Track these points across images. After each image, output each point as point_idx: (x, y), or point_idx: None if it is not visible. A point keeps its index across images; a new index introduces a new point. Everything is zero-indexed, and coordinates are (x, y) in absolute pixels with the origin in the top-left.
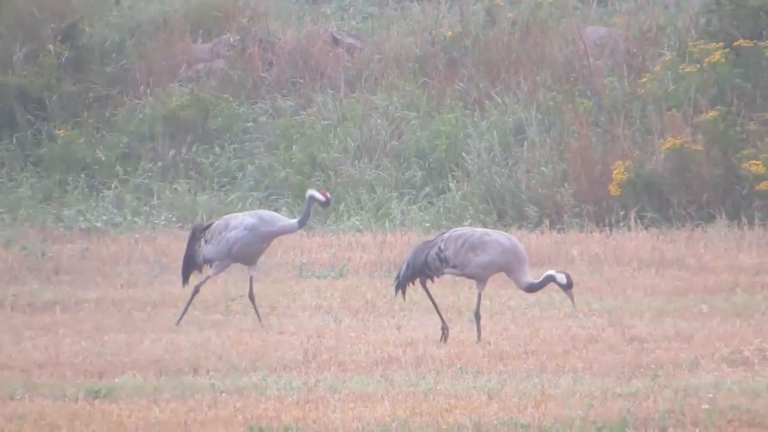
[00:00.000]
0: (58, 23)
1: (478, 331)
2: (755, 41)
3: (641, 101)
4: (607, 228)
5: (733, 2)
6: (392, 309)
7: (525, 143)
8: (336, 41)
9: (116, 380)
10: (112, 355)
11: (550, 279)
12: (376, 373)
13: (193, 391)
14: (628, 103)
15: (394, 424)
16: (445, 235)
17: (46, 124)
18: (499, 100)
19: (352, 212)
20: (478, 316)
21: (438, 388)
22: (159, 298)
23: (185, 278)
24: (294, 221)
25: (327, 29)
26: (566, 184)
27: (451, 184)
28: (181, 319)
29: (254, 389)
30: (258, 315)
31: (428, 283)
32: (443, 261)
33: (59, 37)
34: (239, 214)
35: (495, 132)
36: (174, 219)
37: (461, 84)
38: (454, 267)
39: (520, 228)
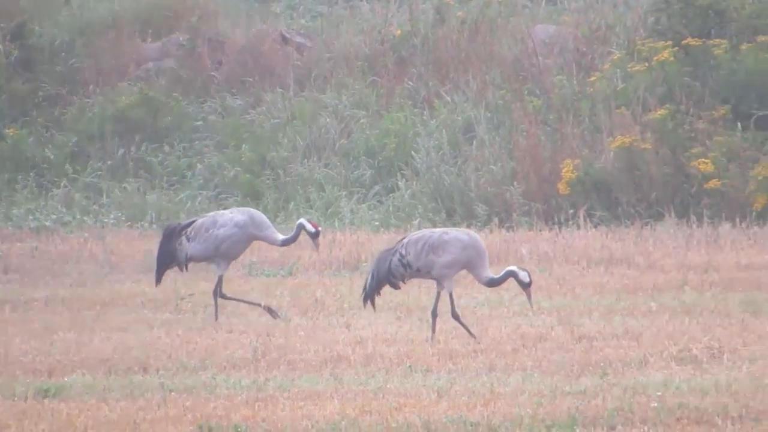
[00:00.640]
0: (7, 23)
1: (433, 329)
2: (704, 40)
3: (590, 100)
4: (556, 226)
5: (682, 1)
6: (341, 308)
7: (474, 142)
8: (285, 40)
9: (65, 379)
10: (62, 354)
11: (511, 274)
12: (326, 371)
13: (143, 389)
14: (577, 101)
15: (343, 423)
16: (405, 240)
17: None
18: (449, 98)
19: (301, 211)
20: (434, 315)
21: (387, 386)
22: (108, 297)
23: (159, 278)
24: (280, 237)
25: (276, 28)
26: (515, 183)
27: (400, 182)
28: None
29: (203, 388)
30: (216, 315)
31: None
32: (406, 266)
33: (8, 37)
34: (226, 212)
35: (444, 131)
36: (123, 218)
37: (410, 83)
38: (418, 271)
39: (469, 226)
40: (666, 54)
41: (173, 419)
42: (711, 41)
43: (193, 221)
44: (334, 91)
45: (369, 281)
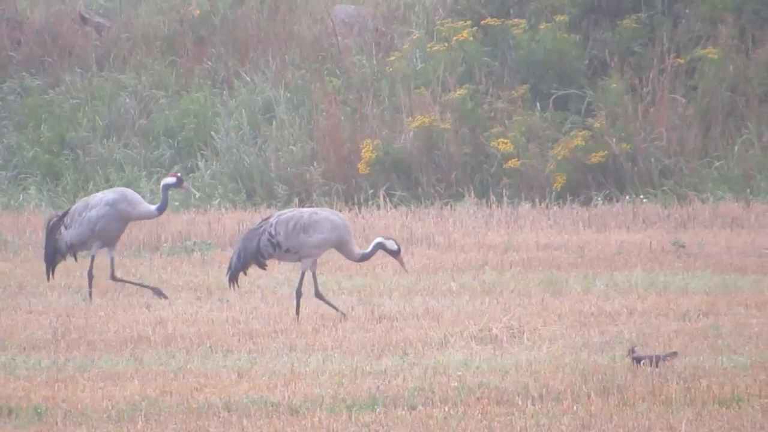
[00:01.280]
0: None
1: (297, 310)
2: (503, 20)
3: (390, 80)
4: (356, 206)
5: None
6: (141, 288)
7: (274, 122)
8: (84, 20)
9: None
10: None
11: (380, 246)
12: (126, 352)
13: None
14: (377, 81)
15: (144, 403)
16: (273, 220)
17: None
18: (248, 78)
19: (100, 191)
20: (299, 294)
21: (188, 367)
22: None
23: (49, 272)
24: (152, 207)
25: (75, 8)
26: (315, 163)
27: (200, 162)
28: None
29: (2, 369)
30: (90, 294)
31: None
32: (276, 246)
33: None
34: (98, 194)
35: (244, 111)
36: None
37: (210, 63)
38: (287, 251)
39: (269, 207)
40: (465, 34)
41: None
42: (510, 21)
43: (69, 210)
44: (133, 71)
45: (234, 261)
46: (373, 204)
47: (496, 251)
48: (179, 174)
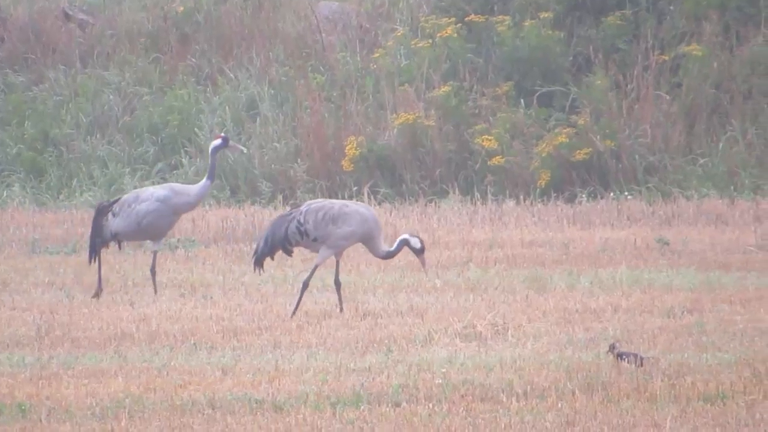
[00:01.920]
0: None
1: (339, 298)
2: (487, 16)
3: (374, 77)
4: None
5: None
6: (126, 285)
7: (258, 119)
8: (68, 17)
9: None
10: None
11: (405, 243)
12: (110, 349)
13: None
14: (361, 78)
15: (127, 400)
16: (303, 208)
17: None
18: (232, 75)
19: (84, 188)
20: (305, 285)
21: (172, 364)
22: None
23: (92, 256)
24: (203, 182)
25: (59, 5)
26: (299, 160)
27: (183, 159)
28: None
29: None
30: (155, 289)
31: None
32: (303, 234)
33: None
34: (149, 187)
35: (228, 107)
36: None
37: (193, 59)
38: (314, 240)
39: (253, 204)
40: (449, 30)
41: None
42: (494, 18)
43: (120, 198)
44: (116, 68)
45: (261, 245)
46: (357, 201)
47: (480, 248)
48: (224, 134)
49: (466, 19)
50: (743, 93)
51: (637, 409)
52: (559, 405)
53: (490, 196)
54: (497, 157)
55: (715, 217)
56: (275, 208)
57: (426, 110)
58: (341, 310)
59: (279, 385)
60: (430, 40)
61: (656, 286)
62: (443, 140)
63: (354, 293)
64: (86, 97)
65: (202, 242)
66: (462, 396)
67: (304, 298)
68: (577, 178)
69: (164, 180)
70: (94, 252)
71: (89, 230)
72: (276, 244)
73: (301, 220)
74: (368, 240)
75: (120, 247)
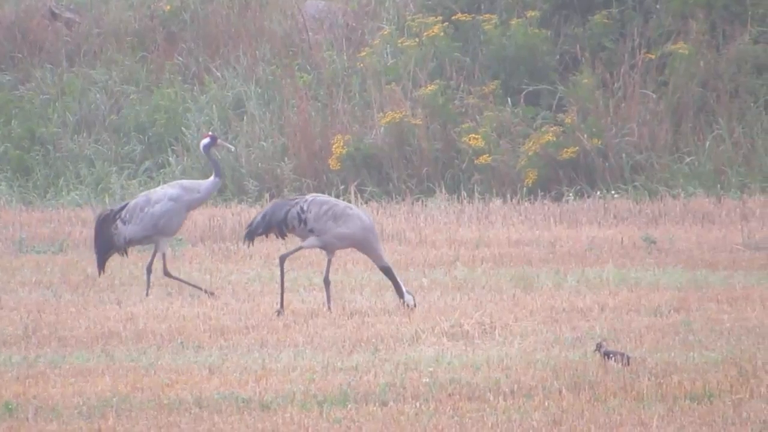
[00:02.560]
0: None
1: (328, 297)
2: (473, 15)
3: (360, 75)
4: None
5: None
6: (113, 284)
7: (244, 117)
8: (54, 15)
9: None
10: None
11: (399, 287)
12: (97, 348)
13: None
14: (348, 77)
15: (114, 399)
16: (308, 198)
17: None
18: (219, 74)
19: (71, 187)
20: (327, 282)
21: (159, 363)
22: None
23: (101, 265)
24: (211, 179)
25: (45, 4)
26: (286, 159)
27: (170, 158)
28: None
29: None
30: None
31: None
32: (302, 222)
33: None
34: (158, 189)
35: (214, 106)
36: None
37: (180, 58)
38: (311, 231)
39: (240, 202)
40: (436, 29)
41: None
42: (481, 16)
43: (126, 204)
44: (103, 66)
45: (258, 220)
46: (344, 199)
47: (467, 247)
48: (212, 133)
49: (453, 17)
50: (730, 91)
51: (623, 408)
52: (546, 404)
53: (477, 194)
54: (484, 156)
55: (701, 216)
56: (262, 207)
57: (413, 109)
58: (329, 308)
59: (266, 384)
60: (417, 39)
61: (643, 284)
62: (430, 139)
63: (341, 292)
64: (73, 96)
65: (189, 241)
66: (449, 395)
67: (288, 293)
68: (563, 177)
69: (151, 179)
70: (103, 261)
71: (76, 229)
72: (273, 223)
73: (305, 208)
74: (366, 248)
75: (126, 254)
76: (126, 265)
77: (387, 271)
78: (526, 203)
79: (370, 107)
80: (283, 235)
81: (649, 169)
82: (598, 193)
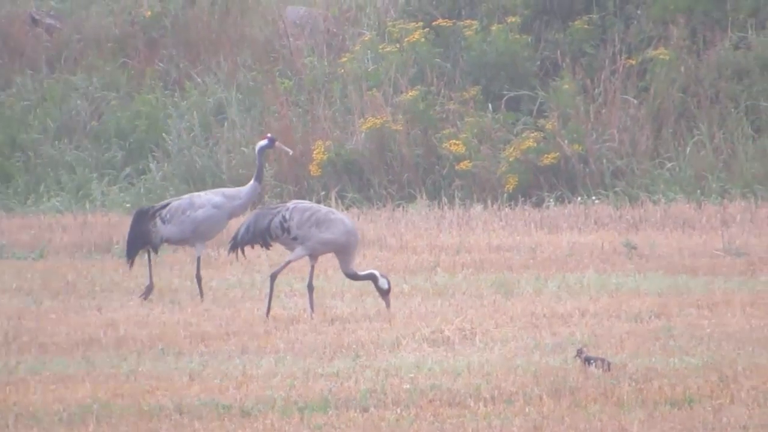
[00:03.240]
0: None
1: (311, 303)
2: (454, 21)
3: (341, 81)
4: None
5: None
6: (93, 290)
7: (226, 123)
8: (35, 21)
9: None
10: None
11: (372, 278)
12: (77, 354)
13: None
14: (329, 83)
15: (95, 406)
16: (290, 205)
17: None
18: (200, 80)
19: (52, 193)
20: (311, 288)
21: (139, 369)
22: None
23: (131, 261)
24: (251, 183)
25: (26, 9)
26: (267, 164)
27: (151, 164)
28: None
29: None
30: (201, 293)
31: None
32: (285, 230)
33: None
34: (201, 193)
35: (195, 112)
36: None
37: (161, 64)
38: (294, 238)
39: None
40: (417, 35)
41: None
42: (462, 22)
43: (168, 204)
44: (84, 72)
45: (242, 232)
46: (325, 205)
47: (448, 253)
48: (270, 135)
49: (434, 23)
50: (710, 97)
51: (604, 414)
52: (527, 410)
53: (457, 200)
54: (465, 162)
55: (682, 222)
56: (243, 213)
57: (393, 115)
58: (312, 315)
59: (246, 390)
60: (398, 45)
61: (623, 290)
62: (411, 145)
63: (322, 298)
64: (54, 102)
65: (170, 247)
66: (430, 401)
67: (274, 295)
68: (544, 183)
69: (132, 185)
70: (133, 256)
71: (56, 236)
72: (257, 234)
73: (287, 216)
74: (343, 252)
75: (157, 253)
76: (107, 272)
77: (353, 277)
78: (506, 209)
79: (351, 113)
80: (267, 246)
81: (629, 175)
82: (579, 198)
